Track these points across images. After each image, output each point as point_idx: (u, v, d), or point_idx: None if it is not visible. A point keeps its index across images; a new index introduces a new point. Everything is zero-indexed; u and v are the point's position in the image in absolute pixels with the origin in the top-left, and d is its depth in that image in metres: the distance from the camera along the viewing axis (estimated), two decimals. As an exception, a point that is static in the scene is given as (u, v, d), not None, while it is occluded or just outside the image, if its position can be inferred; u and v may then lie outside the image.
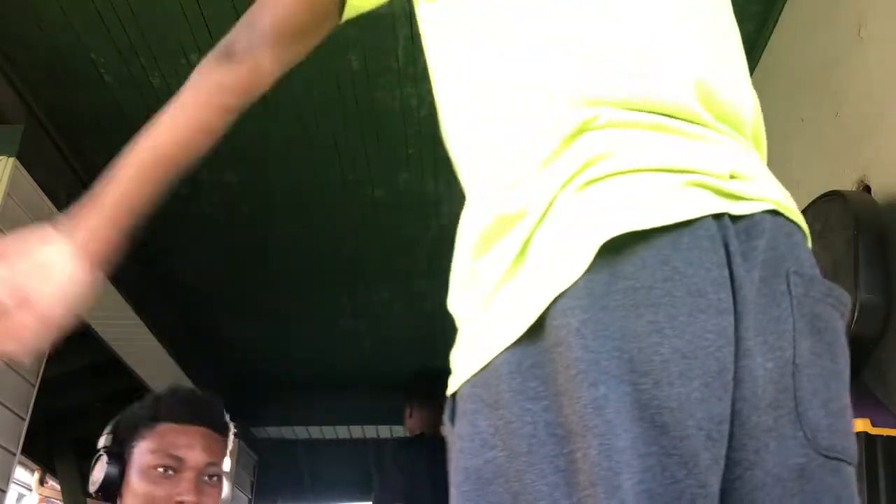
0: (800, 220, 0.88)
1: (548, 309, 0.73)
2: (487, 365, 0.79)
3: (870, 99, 2.18)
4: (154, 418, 1.46)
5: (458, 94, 0.94)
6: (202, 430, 1.45)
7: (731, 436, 0.71)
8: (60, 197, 3.41)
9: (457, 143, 0.94)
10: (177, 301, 4.81)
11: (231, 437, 1.53)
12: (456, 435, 0.81)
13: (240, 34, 1.09)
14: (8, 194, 3.03)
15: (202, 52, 3.28)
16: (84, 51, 3.01)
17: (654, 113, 0.79)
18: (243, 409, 6.11)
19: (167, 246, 4.27)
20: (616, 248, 0.71)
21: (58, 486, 6.78)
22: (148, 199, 0.96)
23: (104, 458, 1.42)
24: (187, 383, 5.19)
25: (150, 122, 0.99)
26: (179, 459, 1.40)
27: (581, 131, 0.78)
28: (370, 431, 6.42)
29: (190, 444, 1.42)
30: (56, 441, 6.16)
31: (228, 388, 6.07)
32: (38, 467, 7.03)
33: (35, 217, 3.23)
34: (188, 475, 1.40)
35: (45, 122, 3.31)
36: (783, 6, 2.76)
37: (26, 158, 3.13)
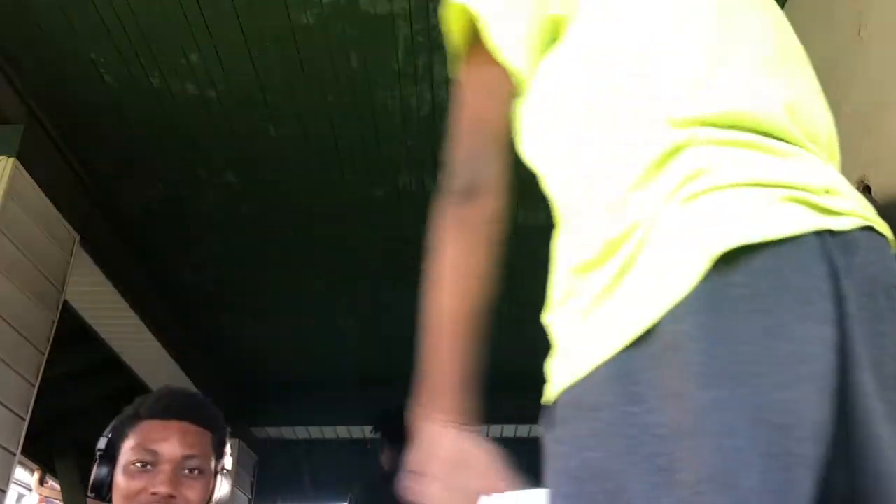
0: (889, 234, 0.90)
1: (657, 322, 0.76)
2: (589, 373, 0.81)
3: (870, 99, 2.17)
4: (136, 416, 1.48)
5: (558, 117, 0.97)
6: (181, 423, 1.46)
7: (845, 446, 0.74)
8: (60, 197, 3.41)
9: (551, 166, 1.00)
10: (177, 301, 4.81)
11: (225, 433, 1.52)
12: (553, 440, 0.86)
13: (466, 169, 1.08)
14: (8, 194, 3.03)
15: (202, 52, 3.31)
16: (84, 51, 3.01)
17: (748, 131, 0.84)
18: (243, 409, 6.12)
19: (167, 246, 4.27)
20: (726, 259, 0.74)
21: (58, 486, 6.78)
22: (474, 354, 1.02)
23: (97, 461, 1.45)
24: (187, 383, 5.20)
25: (431, 288, 1.00)
26: (155, 453, 1.41)
27: (680, 149, 0.82)
28: (370, 431, 6.41)
29: (166, 438, 1.43)
30: (56, 441, 6.16)
31: (228, 388, 6.08)
32: (38, 467, 7.03)
33: (35, 217, 3.23)
34: (164, 468, 1.40)
35: (45, 122, 3.31)
36: (783, 6, 2.76)
37: (26, 158, 3.14)
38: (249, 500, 6.22)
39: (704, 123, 0.83)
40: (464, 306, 1.01)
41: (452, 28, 1.02)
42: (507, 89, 1.00)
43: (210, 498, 1.46)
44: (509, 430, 6.48)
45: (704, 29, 0.93)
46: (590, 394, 0.80)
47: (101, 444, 1.47)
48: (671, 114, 0.84)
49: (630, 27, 0.93)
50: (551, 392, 0.88)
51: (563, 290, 0.90)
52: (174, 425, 1.45)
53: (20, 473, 7.97)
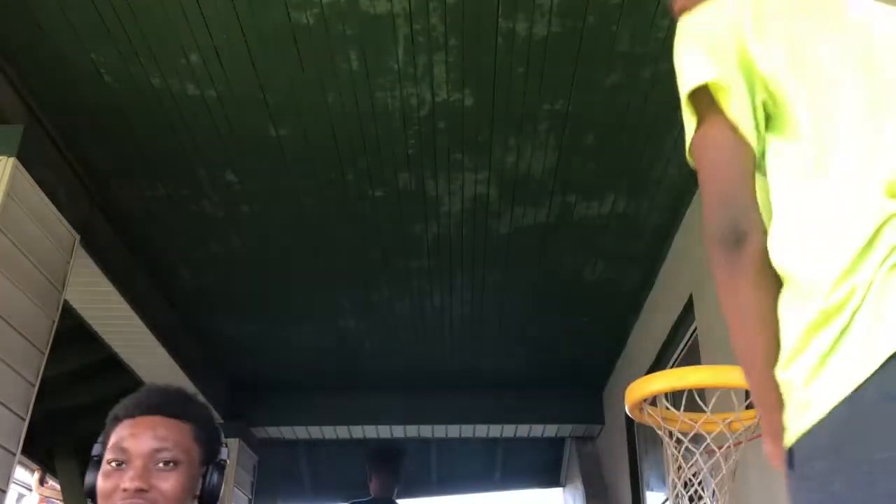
0: None
1: (882, 364, 0.87)
2: (825, 417, 0.91)
3: (870, 99, 2.17)
4: (115, 418, 1.49)
5: (783, 188, 1.08)
6: (152, 418, 1.46)
7: None
8: (60, 197, 3.41)
9: (778, 233, 1.06)
10: (177, 301, 4.81)
11: (207, 423, 1.52)
12: (797, 477, 0.97)
13: (724, 217, 1.10)
14: (8, 194, 3.03)
15: (202, 52, 3.32)
16: (84, 51, 3.01)
17: None
18: (243, 409, 6.12)
19: (167, 245, 4.27)
20: None
21: (58, 486, 6.78)
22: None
23: (90, 466, 1.47)
24: (187, 383, 5.20)
25: (738, 334, 1.10)
26: (125, 450, 1.42)
27: (890, 219, 0.93)
28: (370, 431, 6.42)
29: (135, 434, 1.43)
30: (56, 441, 6.17)
31: (228, 388, 6.08)
32: (38, 467, 7.03)
33: (35, 217, 3.23)
34: (135, 464, 1.41)
35: (45, 122, 3.31)
36: (783, 6, 2.76)
37: (26, 158, 3.14)
38: (249, 500, 6.22)
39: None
40: (768, 345, 1.04)
41: (690, 97, 1.15)
42: (743, 147, 1.11)
43: (199, 488, 1.46)
44: (509, 431, 6.48)
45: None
46: (828, 435, 0.91)
47: (95, 449, 1.49)
48: (885, 184, 0.95)
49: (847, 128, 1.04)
50: (791, 438, 0.98)
51: (791, 349, 0.99)
52: (145, 421, 1.46)
53: (20, 473, 7.97)
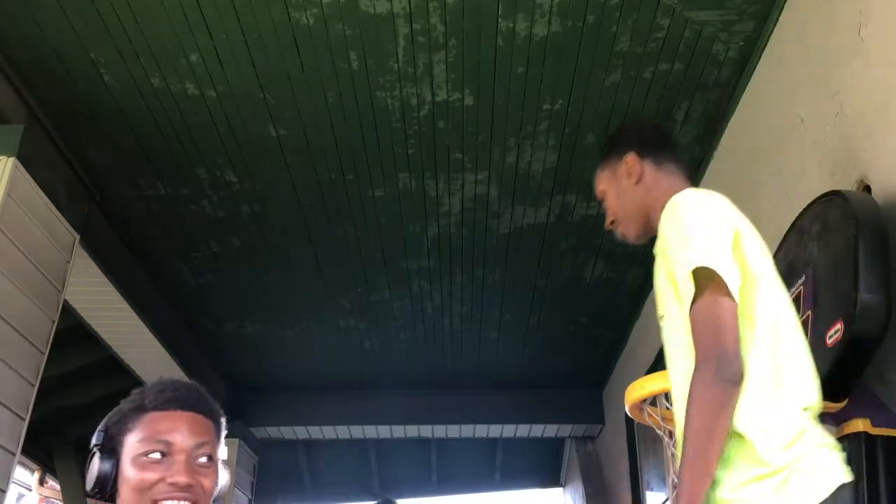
0: None
1: None
2: None
3: (870, 99, 2.18)
4: (141, 408, 1.45)
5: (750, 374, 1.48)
6: (188, 414, 1.45)
7: None
8: (60, 197, 3.41)
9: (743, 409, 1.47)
10: (177, 301, 4.81)
11: (223, 422, 1.52)
12: None
13: (734, 363, 1.43)
14: (8, 194, 3.03)
15: (202, 52, 3.32)
16: (84, 51, 3.01)
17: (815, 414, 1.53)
18: (243, 409, 6.12)
19: (167, 245, 4.27)
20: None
21: (58, 486, 6.78)
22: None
23: (97, 456, 1.42)
24: (187, 383, 5.19)
25: (708, 442, 1.44)
26: (168, 443, 1.40)
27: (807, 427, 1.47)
28: (370, 431, 6.42)
29: (177, 428, 1.42)
30: (56, 441, 6.17)
31: (228, 388, 6.08)
32: (38, 467, 7.03)
33: (35, 217, 3.23)
34: (179, 457, 1.39)
35: (45, 122, 3.31)
36: (783, 6, 2.76)
37: (26, 158, 3.14)
38: (249, 500, 6.22)
39: (809, 410, 1.50)
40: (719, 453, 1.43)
41: (692, 276, 1.49)
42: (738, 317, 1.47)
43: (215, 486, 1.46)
44: (509, 431, 6.48)
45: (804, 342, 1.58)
46: None
47: (98, 438, 1.44)
48: (804, 404, 1.50)
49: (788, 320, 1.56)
50: None
51: (738, 484, 1.43)
52: (183, 415, 1.44)
53: (20, 473, 7.97)
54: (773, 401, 1.46)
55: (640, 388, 1.97)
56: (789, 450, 1.42)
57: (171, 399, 1.46)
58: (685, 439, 1.43)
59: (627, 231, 1.87)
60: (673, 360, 1.62)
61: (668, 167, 1.79)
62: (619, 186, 1.85)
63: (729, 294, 1.43)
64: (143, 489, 1.37)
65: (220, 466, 1.47)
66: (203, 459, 1.42)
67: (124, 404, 1.48)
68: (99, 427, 1.46)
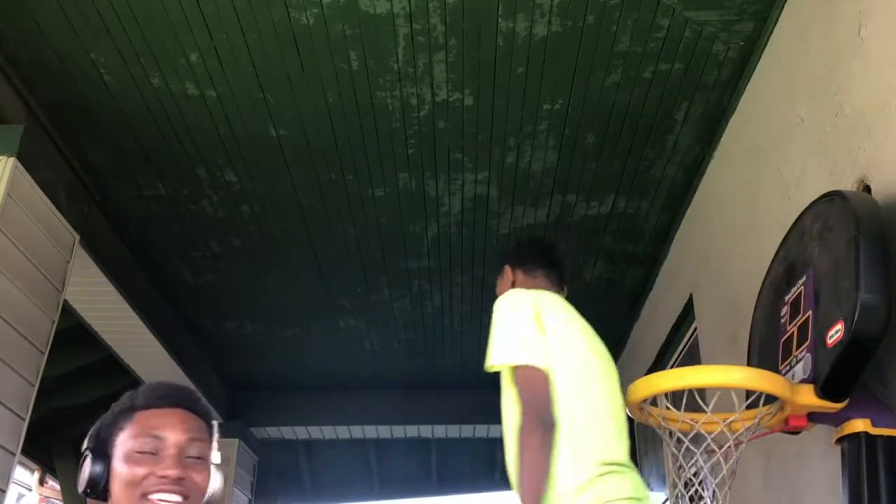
0: None
1: None
2: None
3: (870, 99, 2.18)
4: (132, 408, 1.47)
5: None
6: (180, 410, 1.45)
7: None
8: (60, 197, 3.41)
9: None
10: (177, 301, 4.81)
11: (216, 425, 1.52)
12: None
13: (549, 414, 1.97)
14: (8, 194, 3.03)
15: (202, 52, 3.32)
16: (84, 51, 3.01)
17: (619, 465, 1.95)
18: (243, 409, 6.12)
19: (167, 245, 4.27)
20: None
21: (58, 486, 6.78)
22: None
23: (88, 457, 1.42)
24: (187, 384, 5.19)
25: (532, 476, 1.91)
26: (160, 438, 1.40)
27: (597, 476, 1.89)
28: (370, 431, 6.42)
29: (168, 424, 1.42)
30: (56, 441, 6.17)
31: (228, 388, 6.08)
32: (38, 467, 7.03)
33: (35, 217, 3.23)
34: (170, 452, 1.39)
35: (45, 122, 3.31)
36: (783, 6, 2.76)
37: (26, 158, 3.13)
38: (249, 500, 6.22)
39: (606, 464, 1.91)
40: (544, 484, 1.87)
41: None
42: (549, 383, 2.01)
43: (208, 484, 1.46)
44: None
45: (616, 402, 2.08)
46: None
47: (90, 440, 1.45)
48: (598, 458, 1.93)
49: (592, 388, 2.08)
50: None
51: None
52: (174, 412, 1.45)
53: (20, 473, 7.97)
54: (565, 451, 1.93)
55: (641, 388, 1.97)
56: (578, 497, 1.87)
57: (162, 396, 1.47)
58: (519, 473, 1.92)
59: None
60: (506, 416, 2.13)
61: (536, 273, 2.49)
62: (503, 287, 2.59)
63: (535, 367, 2.02)
64: (134, 484, 1.36)
65: (213, 469, 1.46)
66: (194, 455, 1.41)
67: (115, 406, 1.49)
68: (91, 429, 1.47)
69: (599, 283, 4.69)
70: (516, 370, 2.07)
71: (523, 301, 2.27)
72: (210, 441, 1.47)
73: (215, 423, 1.53)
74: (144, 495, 1.35)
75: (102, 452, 1.42)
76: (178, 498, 1.36)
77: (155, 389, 1.49)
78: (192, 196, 3.84)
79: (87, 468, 1.40)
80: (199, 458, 1.42)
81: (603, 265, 4.51)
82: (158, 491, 1.36)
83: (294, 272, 4.53)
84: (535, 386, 2.00)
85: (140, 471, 1.37)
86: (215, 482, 1.45)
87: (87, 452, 1.42)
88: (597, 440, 1.97)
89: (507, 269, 2.56)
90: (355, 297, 4.82)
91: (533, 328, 2.13)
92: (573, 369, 2.05)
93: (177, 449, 1.40)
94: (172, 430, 1.41)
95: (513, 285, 2.52)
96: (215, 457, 1.50)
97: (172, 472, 1.36)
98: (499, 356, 2.16)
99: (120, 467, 1.39)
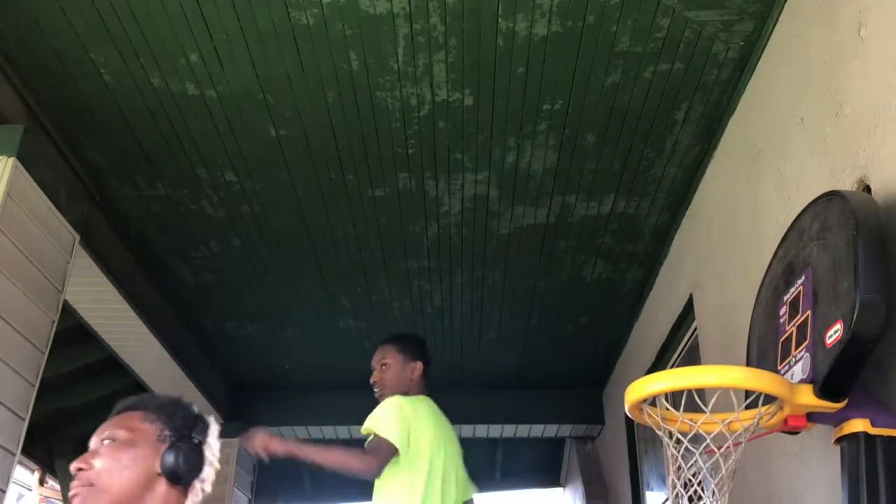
0: None
1: None
2: None
3: (870, 99, 2.18)
4: None
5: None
6: (107, 421, 1.57)
7: None
8: (60, 197, 3.41)
9: None
10: (177, 301, 4.81)
11: (152, 406, 1.58)
12: None
13: (372, 461, 2.93)
14: (8, 194, 3.03)
15: (202, 52, 3.32)
16: (84, 51, 3.01)
17: None
18: (243, 409, 6.12)
19: (167, 245, 4.27)
20: None
21: (58, 486, 6.78)
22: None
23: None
24: (187, 383, 5.20)
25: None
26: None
27: None
28: None
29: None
30: (56, 441, 6.17)
31: (228, 388, 6.08)
32: (38, 467, 7.02)
33: (35, 217, 3.23)
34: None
35: (45, 122, 3.31)
36: (783, 6, 2.76)
37: (26, 158, 3.14)
38: (249, 500, 6.22)
39: None
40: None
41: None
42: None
43: (158, 465, 1.49)
44: (509, 431, 6.48)
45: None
46: None
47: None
48: None
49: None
50: None
51: None
52: (102, 425, 1.57)
53: (20, 473, 7.96)
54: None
55: (640, 388, 1.97)
56: None
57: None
58: (325, 455, 2.94)
59: (383, 395, 3.19)
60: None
61: (423, 379, 3.25)
62: (401, 371, 3.20)
63: (390, 443, 2.84)
64: None
65: (168, 444, 1.51)
66: (105, 442, 1.50)
67: None
68: None
69: (599, 283, 4.69)
70: (379, 439, 2.91)
71: (405, 408, 3.00)
72: (146, 423, 1.53)
73: (166, 404, 1.60)
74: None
75: None
76: (76, 490, 1.45)
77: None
78: (192, 196, 3.85)
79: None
80: (106, 441, 1.50)
81: (603, 265, 4.51)
82: (71, 492, 1.47)
83: (294, 272, 4.53)
84: (382, 447, 2.88)
85: None
86: (169, 457, 1.50)
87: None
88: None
89: (420, 366, 3.22)
90: (355, 297, 4.83)
91: (403, 425, 2.92)
92: (423, 463, 2.90)
93: (91, 446, 1.52)
94: (92, 439, 1.54)
95: (411, 381, 3.20)
96: (201, 434, 1.58)
97: (73, 465, 1.47)
98: (382, 427, 2.94)
99: None
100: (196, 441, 1.54)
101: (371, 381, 3.26)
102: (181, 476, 1.50)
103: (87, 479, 1.44)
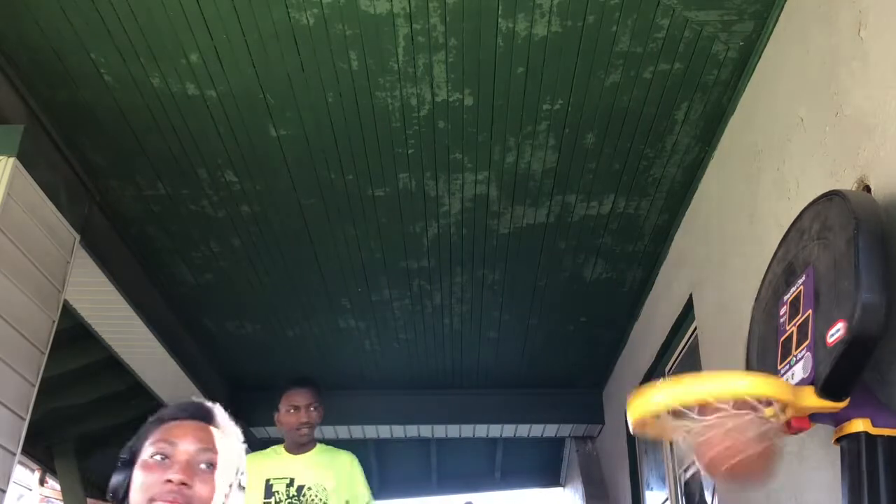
0: None
1: None
2: None
3: (870, 99, 2.18)
4: (159, 420, 1.55)
5: None
6: (195, 423, 1.53)
7: None
8: (60, 197, 3.41)
9: None
10: (177, 301, 4.81)
11: (230, 431, 1.59)
12: None
13: None
14: (8, 194, 3.03)
15: (202, 52, 3.32)
16: (84, 51, 3.01)
17: None
18: (243, 409, 6.11)
19: (167, 245, 4.27)
20: None
21: (58, 486, 6.77)
22: None
23: (118, 466, 1.51)
24: (187, 383, 5.20)
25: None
26: (172, 443, 1.47)
27: None
28: (370, 431, 6.42)
29: (182, 434, 1.49)
30: (56, 441, 6.16)
31: (228, 388, 6.08)
32: (38, 467, 7.02)
33: (35, 217, 3.23)
34: (179, 458, 1.45)
35: (45, 122, 3.31)
36: (783, 6, 2.76)
37: (26, 158, 3.13)
38: (249, 500, 6.21)
39: None
40: None
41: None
42: None
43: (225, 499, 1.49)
44: (509, 431, 6.48)
45: None
46: None
47: (123, 451, 1.53)
48: None
49: None
50: None
51: None
52: (190, 423, 1.52)
53: (20, 473, 7.96)
54: None
55: (643, 405, 1.95)
56: None
57: (184, 409, 1.55)
58: None
59: (310, 436, 3.51)
60: None
61: None
62: (321, 414, 3.51)
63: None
64: (144, 489, 1.42)
65: (226, 485, 1.48)
66: (203, 465, 1.46)
67: (149, 419, 1.57)
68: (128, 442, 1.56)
69: (599, 283, 4.69)
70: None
71: None
72: (223, 448, 1.51)
73: (230, 427, 1.59)
74: (151, 499, 1.40)
75: (128, 462, 1.49)
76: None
77: (180, 404, 1.58)
78: (192, 196, 3.84)
79: (113, 476, 1.50)
80: (209, 466, 1.47)
81: (603, 265, 4.51)
82: (162, 494, 1.40)
83: (294, 272, 4.53)
84: None
85: (150, 477, 1.43)
86: (236, 499, 1.50)
87: (118, 462, 1.51)
88: None
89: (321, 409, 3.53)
90: (355, 297, 4.83)
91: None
92: None
93: (186, 455, 1.45)
94: (184, 439, 1.47)
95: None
96: (245, 479, 1.57)
97: (176, 477, 1.41)
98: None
99: (136, 474, 1.46)
100: (244, 484, 1.57)
101: (305, 422, 3.47)
102: None
103: (190, 500, 1.41)
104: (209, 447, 1.48)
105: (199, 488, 1.43)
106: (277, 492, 3.31)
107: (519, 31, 2.93)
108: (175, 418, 1.52)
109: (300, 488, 3.33)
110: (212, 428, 1.53)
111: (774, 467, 1.84)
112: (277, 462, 3.41)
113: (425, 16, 2.87)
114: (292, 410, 3.47)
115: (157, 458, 1.44)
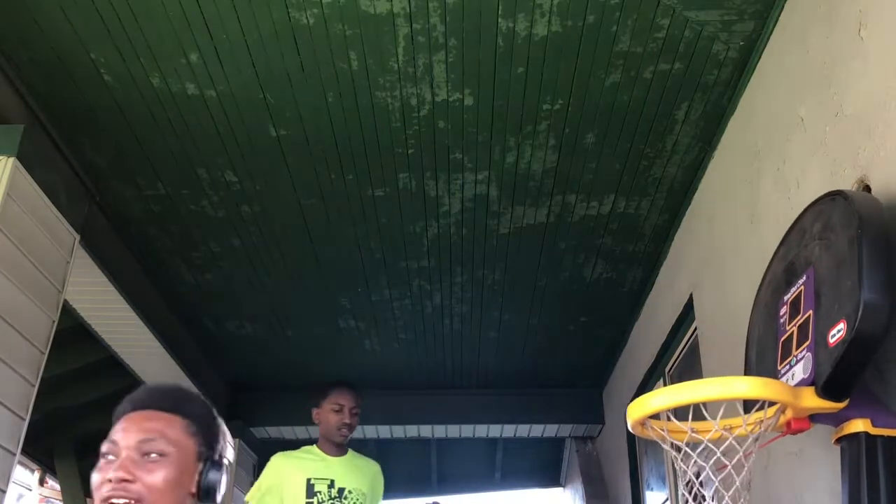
0: None
1: None
2: None
3: (870, 99, 2.18)
4: (116, 416, 1.50)
5: None
6: (145, 412, 1.46)
7: None
8: (60, 197, 3.41)
9: None
10: (177, 301, 4.81)
11: (200, 419, 1.50)
12: None
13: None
14: (8, 194, 3.03)
15: (202, 52, 3.32)
16: (84, 51, 3.01)
17: None
18: (243, 409, 6.12)
19: (167, 245, 4.27)
20: None
21: (58, 486, 6.77)
22: None
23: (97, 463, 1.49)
24: (187, 383, 5.19)
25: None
26: (115, 443, 1.42)
27: None
28: (370, 431, 6.42)
29: (124, 427, 1.43)
30: (56, 441, 6.17)
31: (228, 388, 6.08)
32: (38, 467, 7.03)
33: (35, 217, 3.23)
34: (122, 455, 1.40)
35: (45, 122, 3.31)
36: (783, 6, 2.76)
37: (26, 158, 3.13)
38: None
39: None
40: None
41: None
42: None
43: (195, 484, 1.44)
44: (509, 431, 6.48)
45: None
46: None
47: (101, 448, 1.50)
48: None
49: None
50: None
51: None
52: (136, 415, 1.45)
53: (20, 473, 7.97)
54: None
55: (642, 406, 1.95)
56: None
57: (131, 401, 1.48)
58: None
59: (349, 437, 3.49)
60: None
61: None
62: (357, 422, 3.52)
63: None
64: (95, 490, 1.39)
65: (210, 465, 1.46)
66: (154, 455, 1.40)
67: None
68: None
69: (599, 283, 4.69)
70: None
71: None
72: (191, 438, 1.45)
73: (213, 418, 1.52)
74: (103, 500, 1.36)
75: (97, 457, 1.45)
76: (121, 502, 1.36)
77: (132, 395, 1.51)
78: (192, 196, 3.84)
79: (92, 473, 1.45)
80: (155, 455, 1.41)
81: (603, 265, 4.51)
82: (108, 497, 1.36)
83: (294, 272, 4.53)
84: None
85: (97, 477, 1.40)
86: (211, 476, 1.45)
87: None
88: None
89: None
90: (355, 297, 4.83)
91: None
92: None
93: (128, 451, 1.40)
94: (125, 433, 1.42)
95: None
96: (225, 451, 1.50)
97: (114, 475, 1.37)
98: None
99: (93, 476, 1.43)
100: (226, 461, 1.50)
101: (347, 423, 3.43)
102: (212, 497, 1.46)
103: (137, 494, 1.36)
104: (154, 436, 1.41)
105: (148, 479, 1.38)
106: (320, 492, 3.32)
107: (519, 30, 2.93)
108: (125, 412, 1.47)
109: (341, 490, 3.35)
110: (163, 413, 1.46)
111: None
112: (317, 462, 3.41)
113: (425, 16, 2.87)
114: (336, 409, 3.43)
115: (106, 458, 1.41)
